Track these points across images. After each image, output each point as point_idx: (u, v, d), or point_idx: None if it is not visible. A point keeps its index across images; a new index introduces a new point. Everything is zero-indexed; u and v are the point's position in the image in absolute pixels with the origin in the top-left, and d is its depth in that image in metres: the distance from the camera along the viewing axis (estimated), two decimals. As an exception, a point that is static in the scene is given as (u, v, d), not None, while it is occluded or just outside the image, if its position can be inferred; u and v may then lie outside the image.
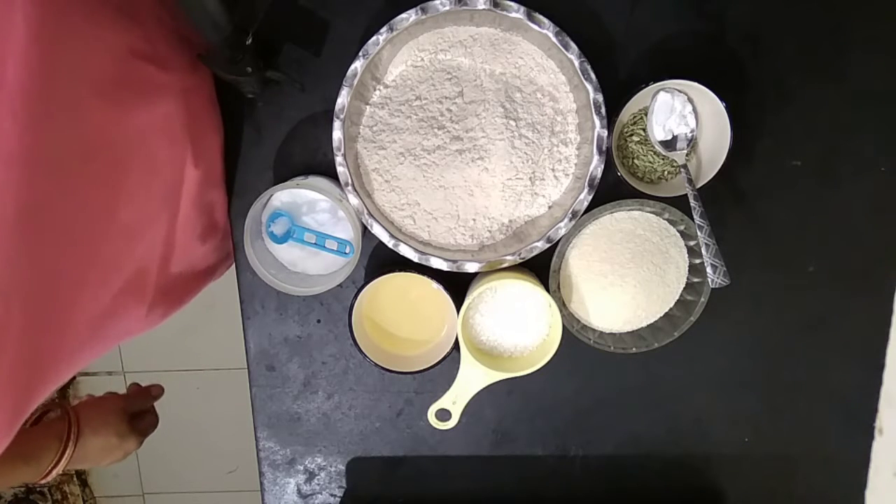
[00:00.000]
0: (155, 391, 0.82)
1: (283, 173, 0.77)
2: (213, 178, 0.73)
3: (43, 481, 0.64)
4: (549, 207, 0.73)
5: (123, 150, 0.56)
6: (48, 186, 0.46)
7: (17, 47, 0.42)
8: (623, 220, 0.74)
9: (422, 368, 0.74)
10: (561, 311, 0.72)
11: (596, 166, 0.68)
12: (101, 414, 0.71)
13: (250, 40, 0.62)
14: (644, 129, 0.72)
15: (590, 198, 0.69)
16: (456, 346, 0.73)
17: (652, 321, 0.77)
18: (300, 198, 0.73)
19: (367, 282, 0.72)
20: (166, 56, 0.62)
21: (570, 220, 0.69)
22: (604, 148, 0.68)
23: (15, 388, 0.47)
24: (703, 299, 0.73)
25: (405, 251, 0.70)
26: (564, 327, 0.72)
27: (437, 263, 0.70)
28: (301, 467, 0.86)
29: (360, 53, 0.66)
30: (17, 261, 0.44)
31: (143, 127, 0.58)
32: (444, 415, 0.76)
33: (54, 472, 0.64)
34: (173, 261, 0.70)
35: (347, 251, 0.73)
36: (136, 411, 0.77)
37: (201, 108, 0.69)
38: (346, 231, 0.73)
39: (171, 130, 0.62)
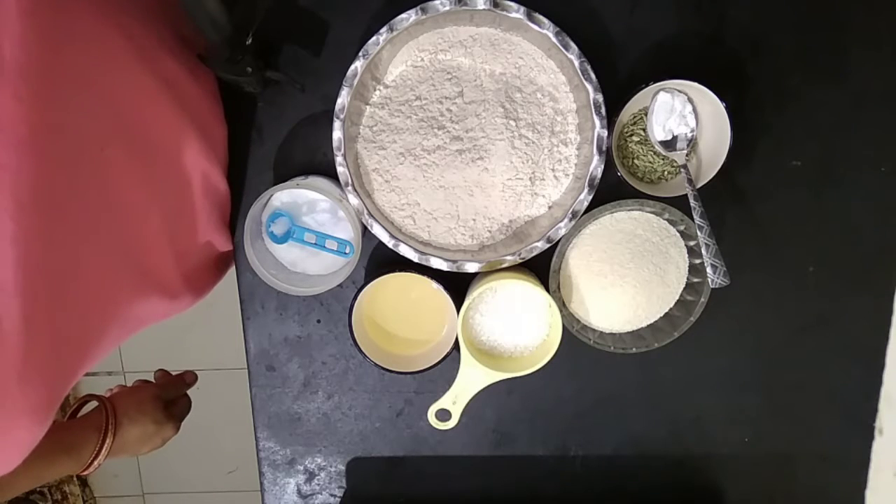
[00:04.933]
0: (189, 378, 0.82)
1: (283, 173, 0.77)
2: (223, 167, 0.73)
3: (85, 472, 0.65)
4: (549, 207, 0.73)
5: (139, 134, 0.56)
6: (64, 171, 0.46)
7: (12, 29, 0.41)
8: (623, 221, 0.74)
9: (422, 368, 0.74)
10: (561, 312, 0.72)
11: (596, 166, 0.68)
12: (137, 403, 0.71)
13: (250, 40, 0.62)
14: (644, 130, 0.72)
15: (590, 198, 0.69)
16: (456, 346, 0.73)
17: (652, 321, 0.77)
18: (300, 198, 0.73)
19: (367, 282, 0.72)
20: (175, 45, 0.62)
21: (570, 220, 0.69)
22: (604, 148, 0.68)
23: (49, 374, 0.47)
24: (703, 299, 0.73)
25: (405, 251, 0.70)
26: (564, 327, 0.72)
27: (437, 263, 0.70)
28: (301, 467, 0.86)
29: (360, 53, 0.66)
30: (38, 247, 0.44)
31: (158, 112, 0.58)
32: (444, 415, 0.76)
33: (95, 463, 0.65)
34: (193, 247, 0.70)
35: (347, 251, 0.73)
36: (170, 398, 0.77)
37: (208, 98, 0.69)
38: (346, 231, 0.73)
39: (183, 118, 0.63)
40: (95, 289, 0.53)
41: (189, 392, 0.82)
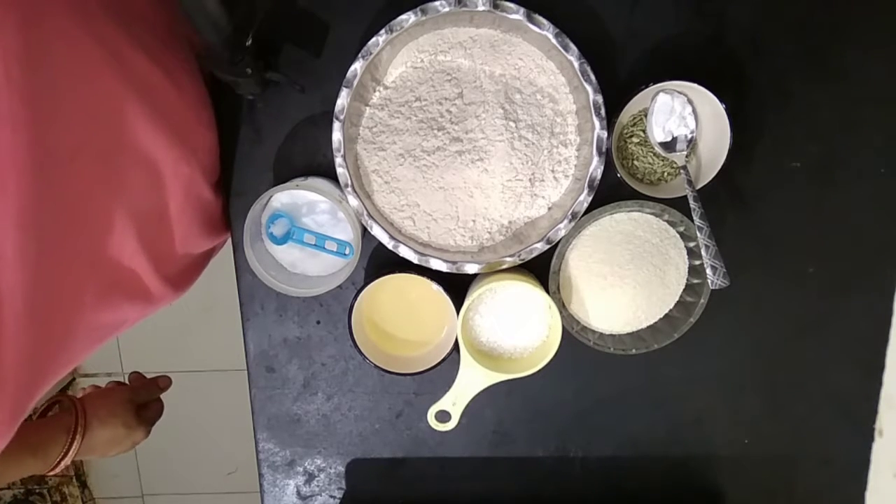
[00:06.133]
0: (163, 383, 0.81)
1: (283, 174, 0.76)
2: (207, 172, 0.72)
3: (51, 473, 0.64)
4: (549, 209, 0.73)
5: (112, 143, 0.55)
6: (34, 185, 0.46)
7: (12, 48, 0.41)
8: (623, 222, 0.74)
9: (421, 370, 0.74)
10: (561, 313, 0.71)
11: (596, 168, 0.68)
12: (108, 405, 0.71)
13: (250, 41, 0.61)
14: (644, 131, 0.72)
15: (589, 199, 0.69)
16: (456, 347, 0.73)
17: (652, 322, 0.77)
18: (300, 199, 0.73)
19: (366, 283, 0.72)
20: (156, 51, 0.61)
21: (570, 221, 0.69)
22: (603, 149, 0.68)
23: (13, 389, 0.47)
24: (702, 300, 0.73)
25: (405, 252, 0.70)
26: (564, 329, 0.72)
27: (437, 265, 0.70)
28: (300, 469, 0.86)
29: (360, 54, 0.66)
30: (14, 257, 0.44)
31: (132, 120, 0.57)
32: (443, 416, 0.75)
33: (62, 464, 0.64)
34: (172, 252, 0.70)
35: (347, 252, 0.73)
36: (143, 401, 0.77)
37: (191, 103, 0.68)
38: (346, 232, 0.73)
39: (160, 125, 0.61)
40: (60, 302, 0.52)
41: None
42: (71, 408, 0.68)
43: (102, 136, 0.54)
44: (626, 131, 0.73)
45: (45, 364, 0.52)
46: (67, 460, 0.65)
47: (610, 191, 0.72)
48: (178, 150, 0.64)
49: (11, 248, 0.43)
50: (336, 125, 0.68)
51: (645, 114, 0.72)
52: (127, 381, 0.80)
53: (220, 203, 0.77)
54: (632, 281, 0.74)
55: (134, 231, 0.61)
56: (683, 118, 0.70)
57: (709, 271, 0.68)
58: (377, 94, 0.71)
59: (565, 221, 0.69)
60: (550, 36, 0.66)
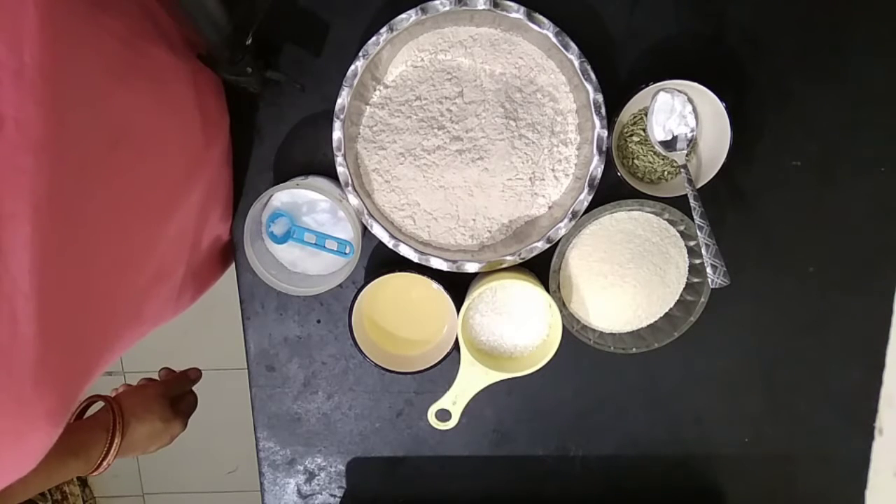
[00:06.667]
0: (193, 374, 0.82)
1: (283, 173, 0.77)
2: (226, 157, 0.73)
3: (95, 473, 0.65)
4: (549, 207, 0.73)
5: (143, 134, 0.56)
6: (76, 174, 0.46)
7: (31, 32, 0.41)
8: (623, 221, 0.74)
9: (422, 369, 0.74)
10: (561, 312, 0.72)
11: (596, 166, 0.68)
12: (143, 401, 0.71)
13: (250, 40, 0.62)
14: (644, 130, 0.72)
15: (590, 198, 0.69)
16: (456, 346, 0.73)
17: (652, 321, 0.77)
18: (300, 198, 0.73)
19: (367, 282, 0.72)
20: (173, 38, 0.62)
21: (570, 220, 0.69)
22: (604, 148, 0.68)
23: (63, 378, 0.47)
24: (703, 299, 0.73)
25: (405, 251, 0.70)
26: (564, 327, 0.72)
27: (437, 263, 0.70)
28: (301, 467, 0.86)
29: (360, 53, 0.66)
30: (53, 250, 0.44)
31: (159, 109, 0.58)
32: (444, 415, 0.76)
33: (105, 464, 0.65)
34: (201, 240, 0.71)
35: (347, 251, 0.73)
36: (176, 395, 0.77)
37: (209, 88, 0.69)
38: (346, 231, 0.73)
39: (185, 111, 0.63)
40: (111, 292, 0.53)
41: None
42: (107, 407, 0.68)
43: (137, 126, 0.55)
44: (626, 130, 0.73)
45: (95, 354, 0.52)
46: (110, 459, 0.65)
47: (610, 190, 0.72)
48: (205, 135, 0.65)
49: (29, 233, 0.43)
50: (336, 124, 0.68)
51: (645, 113, 0.72)
52: (157, 377, 0.81)
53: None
54: (632, 280, 0.74)
55: (174, 217, 0.62)
56: (684, 117, 0.70)
57: (709, 270, 0.68)
58: (377, 93, 0.71)
59: (565, 220, 0.69)
60: (550, 35, 0.66)
